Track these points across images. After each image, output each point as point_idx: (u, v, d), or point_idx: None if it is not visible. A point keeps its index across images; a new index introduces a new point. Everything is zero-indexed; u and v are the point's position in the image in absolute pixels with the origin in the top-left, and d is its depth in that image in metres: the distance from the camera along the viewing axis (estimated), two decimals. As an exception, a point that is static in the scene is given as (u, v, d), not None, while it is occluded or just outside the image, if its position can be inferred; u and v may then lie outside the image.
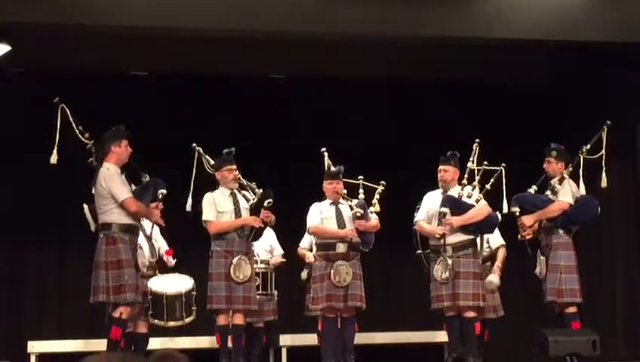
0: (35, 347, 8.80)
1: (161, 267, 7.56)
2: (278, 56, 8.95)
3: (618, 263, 9.27)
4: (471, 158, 7.64)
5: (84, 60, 8.90)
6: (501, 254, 8.15)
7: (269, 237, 8.23)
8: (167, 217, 7.43)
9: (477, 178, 7.60)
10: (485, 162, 7.65)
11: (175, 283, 7.35)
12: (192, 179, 7.37)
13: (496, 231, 7.93)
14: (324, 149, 7.70)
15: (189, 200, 7.37)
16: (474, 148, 7.66)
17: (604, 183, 7.71)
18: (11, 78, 8.98)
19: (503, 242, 8.15)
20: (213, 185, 7.40)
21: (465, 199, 7.46)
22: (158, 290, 7.25)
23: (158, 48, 8.70)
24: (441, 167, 7.54)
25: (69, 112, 6.86)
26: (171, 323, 7.31)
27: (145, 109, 9.20)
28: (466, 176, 7.56)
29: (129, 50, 8.79)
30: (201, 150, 7.46)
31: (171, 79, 9.46)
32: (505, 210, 7.59)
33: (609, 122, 7.70)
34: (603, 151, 7.63)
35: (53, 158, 6.87)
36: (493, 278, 7.93)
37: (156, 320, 7.27)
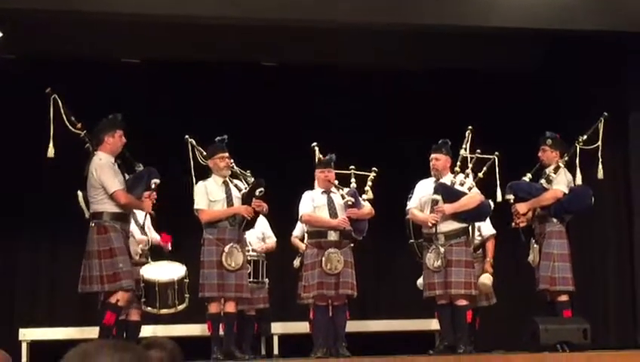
0: (27, 334, 8.79)
1: (153, 254, 7.55)
2: (272, 43, 8.94)
3: (609, 252, 9.29)
4: (464, 146, 7.64)
5: (77, 47, 8.86)
6: (491, 246, 8.12)
7: (262, 225, 8.22)
8: (159, 205, 7.41)
9: (470, 166, 7.60)
10: (478, 150, 7.64)
11: (167, 271, 7.33)
12: (192, 170, 7.32)
13: (487, 220, 7.93)
14: (314, 144, 7.68)
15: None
16: (467, 135, 7.65)
17: (600, 174, 7.71)
18: (2, 64, 8.93)
19: (493, 231, 8.13)
20: (207, 173, 7.38)
21: (457, 187, 7.46)
22: (151, 278, 7.23)
23: (152, 36, 8.67)
24: (432, 156, 7.53)
25: (60, 103, 6.79)
26: (164, 311, 7.29)
27: (139, 97, 9.16)
28: (458, 163, 7.56)
29: (123, 38, 8.75)
30: (193, 141, 7.41)
31: (165, 67, 9.42)
32: (498, 198, 7.60)
33: (606, 113, 7.70)
34: (599, 143, 7.64)
35: (50, 152, 6.79)
36: (487, 280, 7.93)
37: (149, 308, 7.25)
